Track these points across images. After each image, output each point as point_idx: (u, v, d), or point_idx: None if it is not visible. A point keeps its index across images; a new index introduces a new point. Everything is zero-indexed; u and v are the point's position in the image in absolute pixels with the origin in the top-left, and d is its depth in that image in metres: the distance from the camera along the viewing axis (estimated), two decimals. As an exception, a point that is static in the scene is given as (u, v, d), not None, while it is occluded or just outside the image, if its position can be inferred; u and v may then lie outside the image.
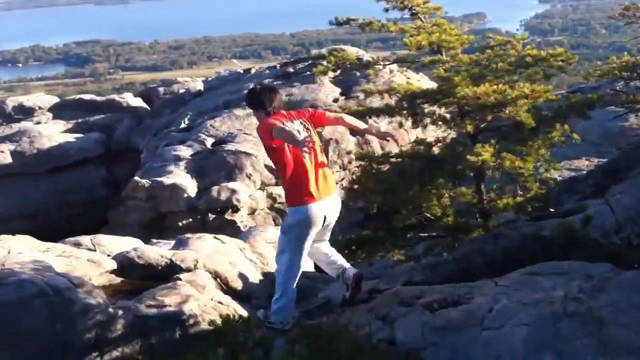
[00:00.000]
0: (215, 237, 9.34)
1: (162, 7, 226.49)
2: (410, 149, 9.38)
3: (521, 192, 9.01)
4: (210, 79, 22.08)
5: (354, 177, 14.65)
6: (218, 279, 8.47)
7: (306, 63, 18.67)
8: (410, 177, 8.40)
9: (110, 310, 6.95)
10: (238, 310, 7.62)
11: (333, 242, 6.71)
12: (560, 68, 8.52)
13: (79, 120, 18.13)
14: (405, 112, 8.47)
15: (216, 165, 14.22)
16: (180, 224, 13.24)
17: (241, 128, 15.39)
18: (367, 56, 17.65)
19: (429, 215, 8.70)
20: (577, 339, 4.66)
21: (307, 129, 5.44)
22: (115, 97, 19.78)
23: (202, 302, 7.54)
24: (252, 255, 9.55)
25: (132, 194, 13.46)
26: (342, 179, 15.04)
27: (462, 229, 8.54)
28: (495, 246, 7.17)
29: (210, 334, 5.98)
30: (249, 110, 16.44)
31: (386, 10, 8.90)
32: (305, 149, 4.74)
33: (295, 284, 5.84)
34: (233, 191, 13.41)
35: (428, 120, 8.48)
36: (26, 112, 18.58)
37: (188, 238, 9.37)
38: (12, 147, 16.15)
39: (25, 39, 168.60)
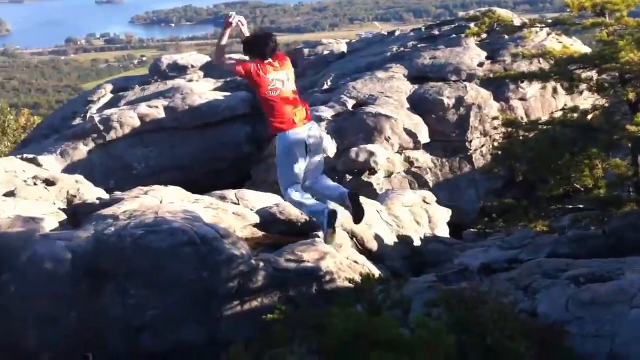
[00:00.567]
0: (353, 198, 9.43)
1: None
2: (562, 116, 8.91)
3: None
4: (353, 40, 22.06)
5: (494, 143, 14.27)
6: (354, 239, 8.59)
7: (452, 25, 18.15)
8: (560, 145, 8.00)
9: (253, 261, 7.26)
10: (372, 270, 7.70)
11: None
12: None
13: (228, 79, 18.77)
14: (559, 77, 8.03)
15: (356, 127, 14.28)
16: (321, 182, 13.49)
17: (382, 90, 15.30)
18: (517, 19, 16.93)
19: (578, 186, 8.28)
20: None
21: (289, 74, 5.99)
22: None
23: (339, 260, 7.69)
24: (388, 218, 9.59)
25: (274, 152, 13.83)
26: (483, 145, 14.63)
27: (613, 202, 8.07)
28: (651, 222, 6.72)
29: (347, 290, 6.08)
30: (391, 73, 16.19)
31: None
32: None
33: (312, 202, 6.01)
34: (371, 153, 13.43)
35: (584, 86, 8.00)
36: (179, 70, 19.53)
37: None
38: (166, 102, 17.04)
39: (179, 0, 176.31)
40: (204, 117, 17.01)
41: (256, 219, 8.62)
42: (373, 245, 8.62)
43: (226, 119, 17.32)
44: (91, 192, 10.58)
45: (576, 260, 6.15)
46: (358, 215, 5.81)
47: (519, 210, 8.85)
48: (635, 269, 5.48)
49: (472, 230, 11.03)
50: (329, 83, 16.64)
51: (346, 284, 7.06)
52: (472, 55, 15.99)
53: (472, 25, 14.75)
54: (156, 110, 16.79)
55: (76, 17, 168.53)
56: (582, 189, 8.30)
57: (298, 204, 6.11)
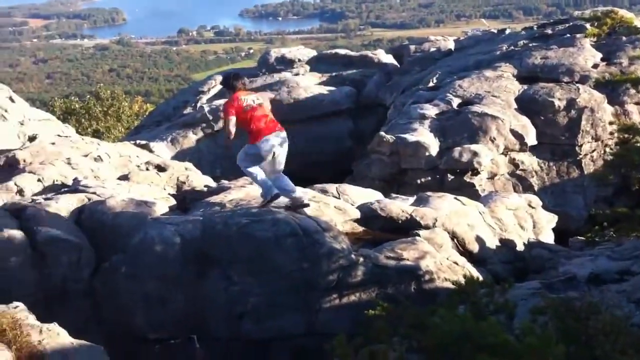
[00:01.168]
0: (455, 198, 9.32)
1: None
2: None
3: None
4: (462, 38, 21.69)
5: (607, 149, 13.66)
6: (455, 240, 8.48)
7: (567, 25, 17.49)
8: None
9: (353, 256, 7.31)
10: (473, 272, 7.58)
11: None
12: None
13: (333, 74, 18.99)
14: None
15: (460, 126, 14.04)
16: (419, 181, 13.36)
17: (489, 90, 14.96)
18: (638, 20, 16.11)
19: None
20: None
21: (258, 100, 7.89)
22: (368, 53, 20.34)
23: (439, 260, 7.63)
24: (491, 220, 9.40)
25: (377, 148, 13.83)
26: (593, 150, 14.03)
27: None
28: None
29: (449, 291, 6.02)
30: (500, 72, 15.84)
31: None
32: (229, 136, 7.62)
33: (262, 179, 7.84)
34: (475, 153, 13.17)
35: None
36: (286, 64, 19.90)
37: (429, 196, 9.47)
38: (272, 95, 17.40)
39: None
40: (308, 111, 17.26)
41: (357, 214, 8.67)
42: (474, 248, 8.48)
43: (329, 113, 17.52)
44: (199, 180, 10.99)
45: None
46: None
47: (632, 219, 8.44)
48: None
49: (579, 238, 10.63)
50: (435, 81, 16.44)
51: (446, 284, 7.01)
52: (586, 56, 15.35)
53: (589, 25, 14.16)
54: (262, 102, 17.17)
55: (189, 9, 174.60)
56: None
57: (253, 176, 7.85)
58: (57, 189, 9.51)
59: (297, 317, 7.10)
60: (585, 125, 13.94)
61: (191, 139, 16.59)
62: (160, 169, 11.05)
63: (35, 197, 8.77)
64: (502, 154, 13.71)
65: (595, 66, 15.13)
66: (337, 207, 8.62)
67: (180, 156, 15.36)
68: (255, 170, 7.78)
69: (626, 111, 14.26)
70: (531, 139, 13.80)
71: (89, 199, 8.59)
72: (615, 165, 9.08)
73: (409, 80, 17.53)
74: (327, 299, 7.12)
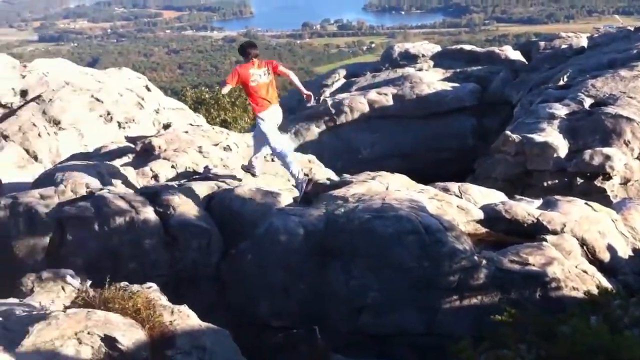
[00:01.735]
0: (586, 203, 8.93)
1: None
2: None
3: None
4: (595, 35, 20.68)
5: None
6: (584, 247, 8.14)
7: None
8: None
9: (475, 258, 7.20)
10: (603, 282, 7.27)
11: None
12: None
13: (457, 70, 18.68)
14: None
15: (592, 128, 13.42)
16: (545, 183, 12.90)
17: (625, 90, 14.20)
18: None
19: None
20: None
21: (268, 73, 8.96)
22: (495, 49, 19.84)
23: (567, 267, 7.36)
24: (624, 229, 8.94)
25: (501, 147, 13.49)
26: None
27: None
28: None
29: (580, 301, 5.81)
30: (636, 72, 15.13)
31: None
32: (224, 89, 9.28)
33: (291, 153, 9.31)
34: (607, 157, 12.55)
35: None
36: (410, 59, 19.80)
37: (557, 200, 9.13)
38: (395, 90, 17.39)
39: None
40: (431, 107, 17.10)
41: (480, 215, 8.51)
42: (605, 257, 8.09)
43: (453, 110, 17.27)
44: (322, 172, 11.17)
45: None
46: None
47: None
48: None
49: None
50: (565, 79, 15.80)
51: (574, 293, 6.75)
52: None
53: None
54: (385, 97, 17.20)
55: (314, 3, 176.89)
56: None
57: (290, 165, 8.99)
58: (189, 175, 9.99)
59: (416, 316, 7.08)
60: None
61: (314, 131, 16.89)
62: (285, 160, 11.29)
63: (169, 183, 9.25)
64: (637, 158, 12.98)
65: None
66: (460, 206, 8.50)
67: (302, 148, 15.68)
68: (291, 156, 9.16)
69: None
70: (670, 144, 12.99)
71: (219, 187, 8.96)
72: None
73: (537, 78, 16.94)
74: (447, 299, 7.05)
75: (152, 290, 6.12)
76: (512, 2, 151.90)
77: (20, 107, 13.56)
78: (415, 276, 7.13)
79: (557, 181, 12.79)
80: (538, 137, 13.07)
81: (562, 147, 12.99)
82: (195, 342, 5.26)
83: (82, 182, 9.05)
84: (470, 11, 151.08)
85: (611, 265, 8.05)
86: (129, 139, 12.45)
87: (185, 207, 8.25)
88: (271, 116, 9.06)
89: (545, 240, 7.76)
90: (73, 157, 11.88)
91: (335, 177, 10.79)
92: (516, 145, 13.14)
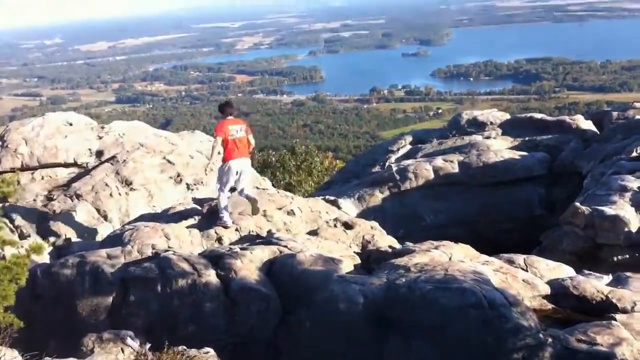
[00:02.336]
0: (659, 282, 8.55)
1: (618, 26, 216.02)
2: None
3: None
4: (670, 105, 20.12)
5: None
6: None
7: None
8: None
9: (541, 335, 6.95)
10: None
11: None
12: None
13: (526, 138, 18.44)
14: None
15: (667, 202, 12.94)
16: (615, 258, 12.42)
17: (703, 164, 13.70)
18: None
19: None
20: None
21: (242, 130, 10.81)
22: (566, 118, 19.52)
23: (636, 349, 7.01)
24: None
25: (570, 219, 13.12)
26: None
27: None
28: None
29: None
30: None
31: None
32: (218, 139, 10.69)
33: (225, 206, 10.78)
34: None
35: None
36: (478, 126, 19.69)
37: (628, 276, 8.83)
38: (461, 158, 17.25)
39: (480, 54, 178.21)
40: (498, 175, 16.85)
41: (546, 290, 8.26)
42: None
43: (520, 179, 16.96)
44: (384, 240, 11.11)
45: None
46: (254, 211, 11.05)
47: None
48: None
49: None
50: (639, 151, 15.36)
51: (645, 378, 6.40)
52: None
53: None
54: (451, 164, 17.08)
55: (383, 68, 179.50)
56: None
57: (222, 203, 10.76)
58: (252, 239, 10.12)
59: (478, 394, 6.83)
60: None
61: (377, 197, 16.85)
62: (348, 226, 11.32)
63: (232, 246, 9.37)
64: None
65: None
66: (526, 280, 8.28)
67: (365, 214, 15.64)
68: (225, 196, 10.76)
69: None
70: None
71: (281, 252, 9.02)
72: None
73: (609, 149, 16.53)
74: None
75: (209, 356, 6.16)
76: (584, 70, 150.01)
77: (95, 167, 14.12)
78: (477, 352, 6.91)
79: (627, 257, 12.29)
80: (609, 210, 12.67)
81: (633, 221, 12.53)
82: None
83: (149, 243, 9.29)
84: (540, 78, 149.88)
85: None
86: (196, 201, 12.74)
87: (246, 271, 8.32)
88: (235, 165, 10.72)
89: (615, 319, 7.44)
90: (142, 217, 12.24)
91: (397, 245, 10.71)
92: (586, 217, 12.76)
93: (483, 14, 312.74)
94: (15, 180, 6.72)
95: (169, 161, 14.56)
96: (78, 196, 13.18)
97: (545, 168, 17.06)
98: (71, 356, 5.95)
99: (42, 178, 14.01)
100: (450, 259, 8.83)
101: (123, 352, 5.97)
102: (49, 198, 13.31)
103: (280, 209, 11.52)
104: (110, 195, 13.27)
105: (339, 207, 14.17)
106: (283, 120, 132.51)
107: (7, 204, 12.53)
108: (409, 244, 9.96)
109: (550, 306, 8.04)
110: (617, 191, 13.36)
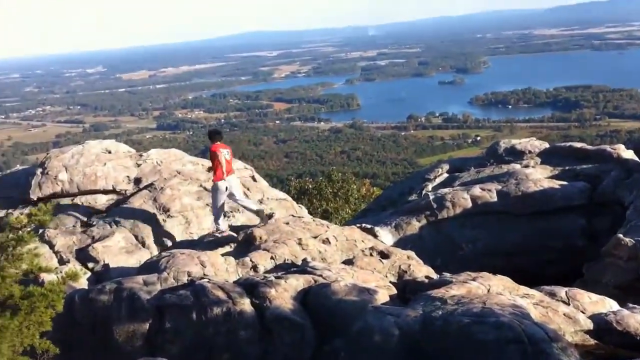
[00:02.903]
0: None
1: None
2: None
3: None
4: None
5: None
6: None
7: None
8: None
9: (582, 372, 6.72)
10: None
11: None
12: None
13: (566, 168, 18.13)
14: None
15: None
16: (661, 291, 12.08)
17: None
18: None
19: None
20: None
21: (228, 154, 12.77)
22: (607, 147, 19.15)
23: (685, 388, 6.74)
24: None
25: (613, 251, 12.80)
26: None
27: None
28: None
29: None
30: None
31: None
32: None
33: (221, 217, 12.82)
34: None
35: None
36: (516, 155, 19.43)
37: (675, 312, 8.49)
38: (499, 187, 17.02)
39: (519, 82, 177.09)
40: (537, 205, 16.56)
41: (589, 324, 8.03)
42: None
43: (560, 209, 16.63)
44: (421, 269, 10.97)
45: None
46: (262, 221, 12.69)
47: None
48: None
49: None
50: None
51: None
52: None
53: None
54: (489, 193, 16.86)
55: (420, 96, 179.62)
56: None
57: (217, 218, 12.81)
58: (287, 267, 10.08)
59: None
60: None
61: (414, 225, 16.69)
62: (384, 255, 11.22)
63: (267, 275, 9.35)
64: None
65: None
66: (567, 314, 8.06)
67: (402, 242, 15.51)
68: (221, 211, 12.82)
69: None
70: None
71: (315, 281, 8.96)
72: None
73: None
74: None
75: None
76: (625, 98, 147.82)
77: (133, 194, 14.30)
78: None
79: (673, 290, 11.93)
80: (653, 242, 12.34)
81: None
82: None
83: (184, 270, 9.33)
84: (580, 106, 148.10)
85: None
86: (232, 228, 12.80)
87: (280, 300, 8.27)
88: (223, 184, 12.57)
89: (660, 357, 7.17)
90: (179, 244, 12.33)
91: (434, 275, 10.56)
92: (629, 249, 12.43)
93: (520, 42, 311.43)
94: (51, 209, 6.81)
95: (205, 188, 14.67)
96: (116, 222, 13.34)
97: (586, 198, 16.72)
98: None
99: (82, 204, 14.22)
100: (488, 291, 8.66)
101: (157, 380, 5.96)
102: (89, 224, 13.49)
103: (315, 237, 11.49)
104: (148, 222, 13.40)
105: (375, 236, 14.06)
106: (321, 147, 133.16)
107: (47, 229, 12.74)
108: (446, 275, 9.80)
109: (592, 342, 7.81)
110: (662, 222, 13.02)
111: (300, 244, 11.08)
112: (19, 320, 6.20)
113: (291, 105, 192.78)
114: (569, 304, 8.80)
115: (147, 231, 13.20)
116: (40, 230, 12.40)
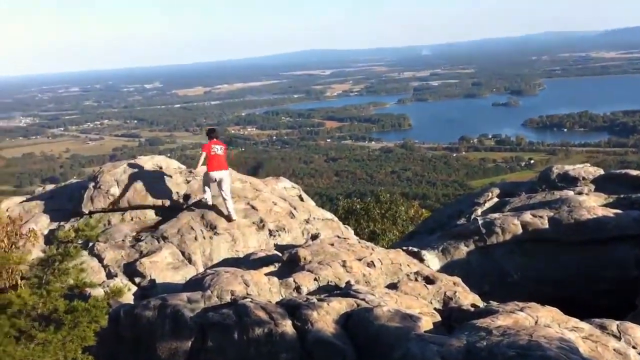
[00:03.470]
0: None
1: None
2: None
3: None
4: None
5: None
6: None
7: None
8: None
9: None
10: None
11: None
12: None
13: (621, 195, 17.62)
14: None
15: None
16: None
17: None
18: None
19: None
20: None
21: (221, 149, 14.68)
22: (664, 175, 18.57)
23: None
24: None
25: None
26: None
27: None
28: None
29: None
30: None
31: None
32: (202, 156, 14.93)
33: (207, 192, 14.74)
34: None
35: None
36: (569, 181, 18.99)
37: None
38: (551, 213, 16.62)
39: (575, 105, 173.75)
40: (590, 233, 16.10)
41: (640, 361, 7.71)
42: None
43: (614, 238, 16.14)
44: (467, 297, 10.75)
45: None
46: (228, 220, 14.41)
47: None
48: None
49: None
50: None
51: None
52: None
53: None
54: (540, 220, 16.49)
55: (473, 118, 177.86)
56: None
57: (206, 195, 14.67)
58: (330, 290, 10.02)
59: None
60: None
61: (462, 250, 16.43)
62: (429, 281, 11.06)
63: (309, 297, 9.30)
64: None
65: None
66: (617, 350, 7.77)
67: (449, 267, 15.27)
68: (208, 192, 14.66)
69: None
70: None
71: (358, 305, 8.87)
72: None
73: None
74: None
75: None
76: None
77: (181, 211, 14.49)
78: None
79: None
80: None
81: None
82: None
83: (228, 289, 9.36)
84: (638, 131, 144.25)
85: None
86: (277, 247, 12.82)
87: (322, 323, 8.22)
88: (214, 175, 14.39)
89: None
90: (224, 261, 12.41)
91: (481, 303, 10.34)
92: (686, 283, 11.97)
93: (577, 65, 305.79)
94: (99, 225, 6.95)
95: (252, 207, 14.77)
96: (164, 238, 13.52)
97: (642, 227, 16.19)
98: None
99: (132, 219, 14.49)
100: (536, 322, 8.43)
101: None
102: (137, 239, 13.72)
103: (360, 259, 11.40)
104: (195, 238, 13.54)
105: (421, 259, 13.89)
106: (371, 166, 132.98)
107: (97, 242, 13.00)
108: (493, 304, 9.59)
109: (645, 380, 7.51)
110: None
111: (344, 266, 11.00)
112: (62, 334, 6.31)
113: (343, 124, 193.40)
114: (620, 339, 8.49)
115: (193, 247, 13.34)
116: (90, 244, 12.65)
